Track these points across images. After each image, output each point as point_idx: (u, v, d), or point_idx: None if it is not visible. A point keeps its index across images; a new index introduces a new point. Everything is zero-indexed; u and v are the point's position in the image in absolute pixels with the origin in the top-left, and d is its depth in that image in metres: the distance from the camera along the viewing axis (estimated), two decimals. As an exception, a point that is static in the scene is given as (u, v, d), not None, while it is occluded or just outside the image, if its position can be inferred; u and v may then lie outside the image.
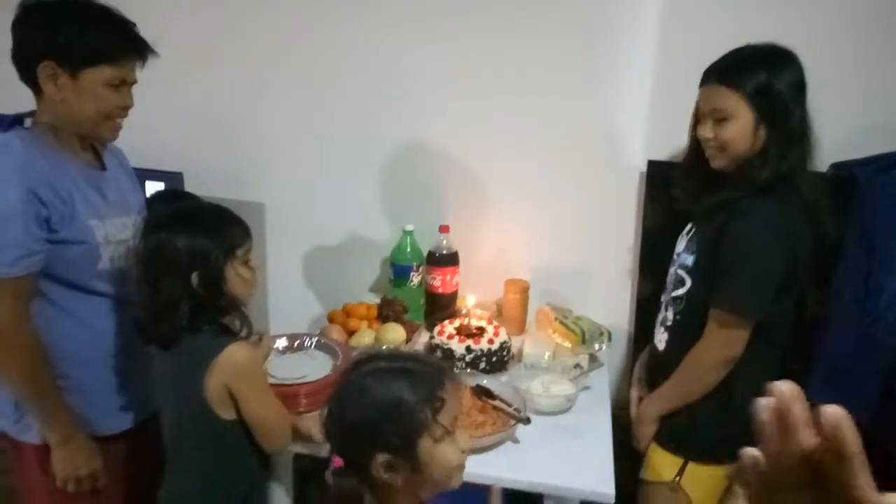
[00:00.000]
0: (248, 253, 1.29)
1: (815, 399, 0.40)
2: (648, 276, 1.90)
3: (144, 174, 1.97)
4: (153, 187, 2.00)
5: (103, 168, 1.40)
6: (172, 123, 2.16)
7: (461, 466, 0.95)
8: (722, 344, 1.32)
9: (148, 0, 2.03)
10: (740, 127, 1.29)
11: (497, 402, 1.46)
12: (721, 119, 1.31)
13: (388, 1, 1.95)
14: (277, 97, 2.12)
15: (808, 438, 0.36)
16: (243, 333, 1.30)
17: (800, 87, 1.29)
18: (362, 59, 2.02)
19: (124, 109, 1.34)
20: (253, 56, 2.11)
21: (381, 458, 0.91)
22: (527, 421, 1.39)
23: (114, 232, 1.36)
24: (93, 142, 1.39)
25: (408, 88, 2.00)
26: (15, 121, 1.29)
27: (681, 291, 1.43)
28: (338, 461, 0.99)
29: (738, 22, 1.71)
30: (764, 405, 0.39)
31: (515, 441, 1.41)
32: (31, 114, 1.31)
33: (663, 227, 1.85)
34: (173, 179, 1.99)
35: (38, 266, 1.25)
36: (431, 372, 0.94)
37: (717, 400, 1.36)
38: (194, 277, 1.21)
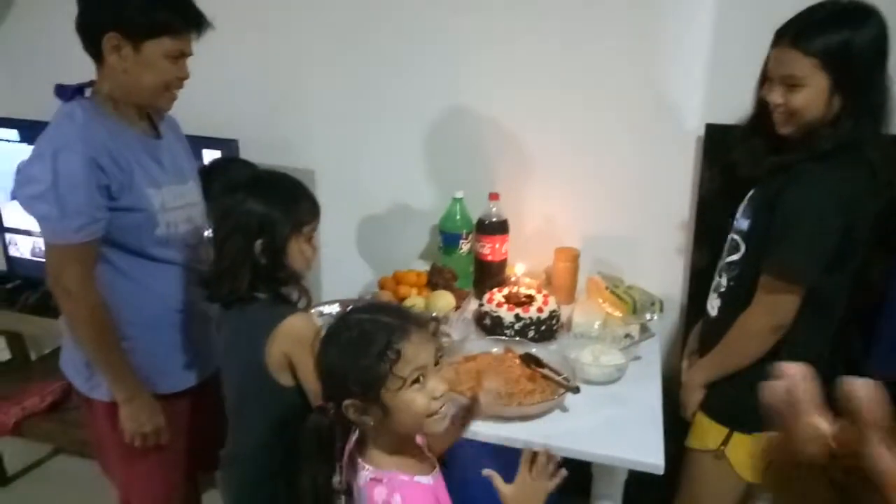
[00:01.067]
0: (314, 231, 1.33)
1: (879, 372, 0.39)
2: (703, 246, 1.85)
3: (201, 142, 2.02)
4: (210, 155, 2.05)
5: (158, 136, 1.43)
6: (226, 93, 2.19)
7: (433, 412, 0.97)
8: (769, 310, 1.29)
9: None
10: (813, 94, 1.21)
11: (546, 371, 1.46)
12: (793, 85, 1.23)
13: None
14: (327, 65, 2.13)
15: (816, 418, 0.36)
16: (301, 304, 1.32)
17: (881, 50, 1.20)
18: (412, 26, 2.00)
19: (181, 80, 1.37)
20: (303, 25, 2.11)
21: (349, 402, 0.97)
22: (576, 390, 1.39)
23: (170, 199, 1.40)
24: (149, 111, 1.43)
25: (457, 55, 1.98)
26: (77, 91, 1.33)
27: (735, 257, 1.38)
28: None
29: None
30: (769, 386, 0.40)
31: (564, 409, 1.41)
32: (90, 84, 1.35)
33: (720, 195, 1.80)
34: (229, 147, 2.03)
35: (101, 233, 1.30)
36: (394, 324, 0.96)
37: (765, 370, 1.32)
38: (258, 245, 1.24)
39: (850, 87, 1.19)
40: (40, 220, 1.27)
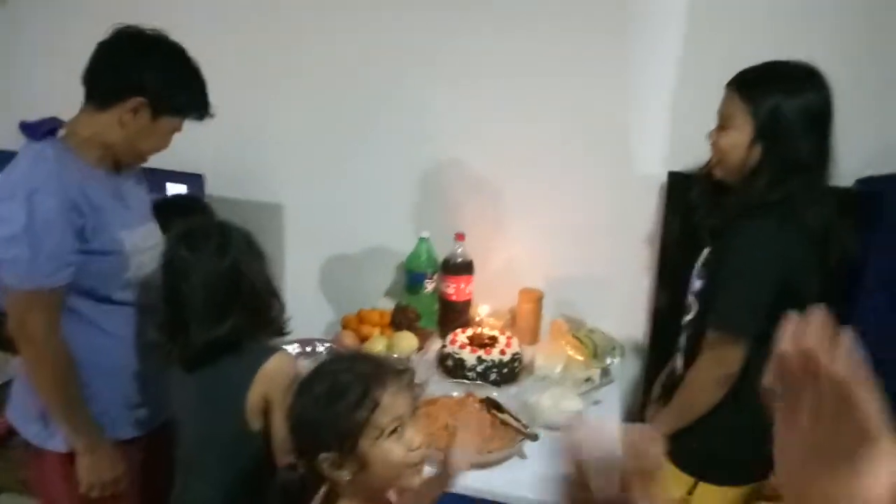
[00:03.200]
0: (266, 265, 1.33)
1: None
2: (666, 290, 1.88)
3: (166, 176, 2.01)
4: (174, 189, 2.03)
5: (118, 176, 1.41)
6: (193, 126, 2.17)
7: (411, 464, 0.97)
8: (713, 363, 1.33)
9: (165, 3, 2.10)
10: (737, 138, 1.28)
11: (506, 416, 1.45)
12: (725, 126, 1.31)
13: (409, 6, 1.95)
14: (296, 101, 2.13)
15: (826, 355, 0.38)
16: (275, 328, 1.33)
17: (816, 116, 1.26)
18: (382, 65, 2.01)
19: (163, 149, 1.40)
20: (273, 59, 2.12)
21: (324, 456, 0.95)
22: (535, 437, 1.38)
23: (141, 240, 1.38)
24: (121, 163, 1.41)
25: (427, 96, 1.99)
26: (48, 132, 1.29)
27: (690, 317, 1.42)
28: None
29: (766, 34, 1.68)
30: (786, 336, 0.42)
31: (523, 456, 1.40)
32: (55, 122, 1.32)
33: (683, 241, 1.82)
34: (195, 181, 2.01)
35: (70, 278, 1.26)
36: (372, 374, 0.96)
37: (727, 420, 1.36)
38: (243, 290, 1.23)
39: (771, 142, 1.25)
40: (9, 263, 1.21)
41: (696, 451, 1.40)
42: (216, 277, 1.23)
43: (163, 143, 1.37)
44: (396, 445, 0.95)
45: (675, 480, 1.43)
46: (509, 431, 1.42)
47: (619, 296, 1.99)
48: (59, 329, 1.28)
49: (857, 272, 1.64)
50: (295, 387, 1.01)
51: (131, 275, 1.36)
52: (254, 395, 1.22)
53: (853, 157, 1.68)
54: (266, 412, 1.24)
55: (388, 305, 2.00)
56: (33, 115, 1.34)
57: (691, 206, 1.51)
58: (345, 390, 0.93)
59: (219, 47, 2.13)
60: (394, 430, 0.95)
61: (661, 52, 1.78)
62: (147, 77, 1.27)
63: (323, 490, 1.01)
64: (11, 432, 2.20)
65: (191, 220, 1.62)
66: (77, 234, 1.24)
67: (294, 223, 2.28)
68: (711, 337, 1.32)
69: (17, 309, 1.25)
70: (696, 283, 1.42)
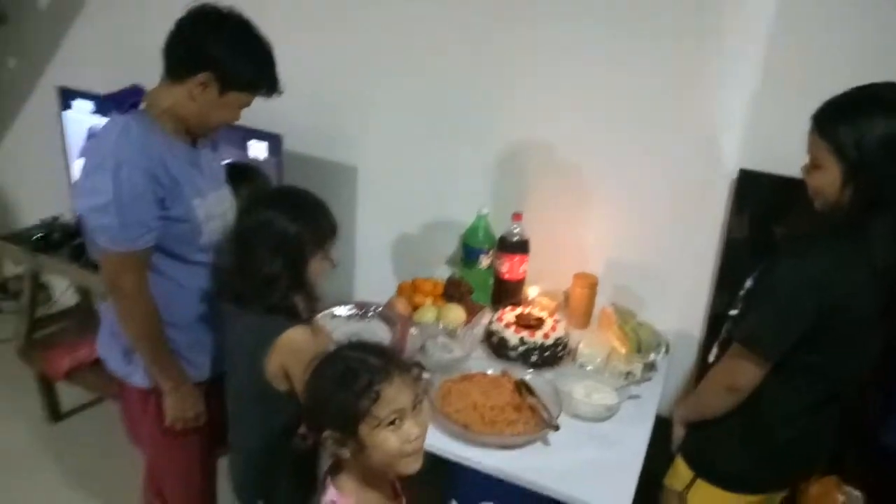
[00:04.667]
0: (332, 249, 1.41)
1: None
2: (725, 290, 1.82)
3: (247, 133, 2.13)
4: (256, 146, 2.16)
5: (195, 145, 1.51)
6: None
7: (406, 453, 1.03)
8: (727, 371, 1.33)
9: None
10: (826, 178, 1.20)
11: (534, 401, 1.49)
12: (813, 164, 1.23)
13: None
14: (378, 67, 2.18)
15: None
16: (305, 315, 1.40)
17: None
18: (462, 47, 2.02)
19: (233, 123, 1.48)
20: (357, 25, 2.17)
21: (328, 433, 1.04)
22: (556, 428, 1.41)
23: (212, 207, 1.49)
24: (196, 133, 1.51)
25: (504, 79, 1.99)
26: (132, 104, 1.41)
27: (733, 312, 1.40)
28: None
29: (854, 36, 1.55)
30: None
31: (546, 443, 1.44)
32: (137, 91, 1.44)
33: (747, 241, 1.76)
34: (273, 140, 2.13)
35: (155, 240, 1.40)
36: (378, 366, 1.03)
37: (739, 429, 1.36)
38: (281, 258, 1.33)
39: (859, 177, 1.16)
40: (101, 229, 1.35)
41: (701, 448, 1.45)
42: (283, 243, 1.32)
43: (231, 117, 1.44)
44: (393, 436, 1.01)
45: (680, 471, 1.47)
46: (535, 417, 1.46)
47: (678, 290, 1.94)
48: (147, 285, 1.42)
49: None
50: (313, 364, 1.10)
51: (204, 239, 1.47)
52: (272, 364, 1.32)
53: None
54: (288, 378, 1.34)
55: (447, 275, 2.06)
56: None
57: (765, 207, 1.46)
58: (351, 378, 1.01)
59: (303, 11, 2.22)
60: (392, 422, 1.01)
61: (743, 48, 1.68)
62: (214, 52, 1.34)
63: (331, 461, 1.11)
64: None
65: (261, 186, 1.74)
66: (158, 203, 1.36)
67: (368, 185, 2.37)
68: (734, 345, 1.31)
69: (110, 268, 1.39)
70: (748, 282, 1.39)
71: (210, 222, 1.47)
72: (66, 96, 2.55)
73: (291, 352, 1.32)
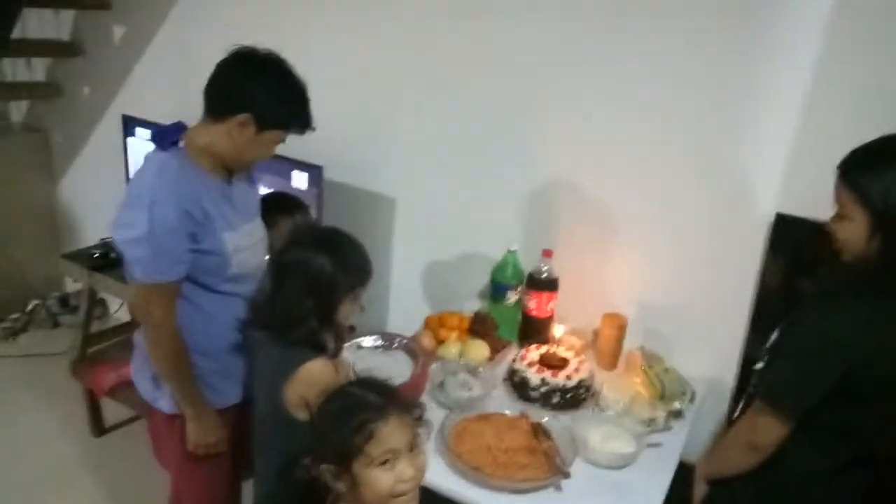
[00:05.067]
0: (363, 293, 1.45)
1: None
2: (759, 335, 1.75)
3: (290, 164, 2.21)
4: (299, 177, 2.23)
5: (230, 182, 1.57)
6: (318, 118, 2.36)
7: (398, 493, 1.04)
8: (749, 427, 1.29)
9: (297, 3, 2.27)
10: (854, 230, 1.16)
11: (548, 446, 1.47)
12: (840, 215, 1.20)
13: (529, 28, 1.95)
14: (417, 100, 2.23)
15: None
16: (329, 352, 1.42)
17: None
18: (502, 86, 2.04)
19: (267, 158, 1.55)
20: (396, 59, 2.23)
21: (325, 466, 1.07)
22: (566, 476, 1.39)
23: (242, 240, 1.55)
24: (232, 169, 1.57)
25: (542, 117, 2.01)
26: (173, 143, 1.49)
27: (759, 366, 1.35)
28: None
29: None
30: None
31: (559, 489, 1.41)
32: (179, 128, 1.52)
33: (782, 288, 1.70)
34: (314, 171, 2.20)
35: (185, 272, 1.47)
36: (376, 404, 1.05)
37: (759, 489, 1.31)
38: (313, 297, 1.37)
39: (885, 228, 1.11)
40: (135, 261, 1.43)
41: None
42: (318, 283, 1.36)
43: (266, 154, 1.51)
44: (385, 475, 1.03)
45: None
46: (548, 462, 1.44)
47: (712, 335, 1.88)
48: (174, 314, 1.49)
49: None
50: (323, 396, 1.12)
51: (233, 271, 1.53)
52: (291, 393, 1.34)
53: None
54: (309, 408, 1.36)
55: (476, 309, 2.06)
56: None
57: (801, 253, 1.42)
58: (349, 415, 1.03)
59: (341, 44, 2.30)
60: (385, 461, 1.02)
61: (786, 92, 1.63)
62: (254, 94, 1.41)
63: (333, 493, 1.12)
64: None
65: (287, 223, 1.79)
66: (190, 237, 1.43)
67: (405, 216, 2.41)
68: (756, 401, 1.27)
69: (141, 298, 1.47)
70: (774, 334, 1.34)
71: (239, 254, 1.53)
72: (130, 124, 2.71)
73: (311, 383, 1.34)
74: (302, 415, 1.37)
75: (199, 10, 2.70)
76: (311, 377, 1.34)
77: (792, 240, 1.66)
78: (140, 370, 1.65)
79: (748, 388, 1.42)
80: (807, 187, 1.64)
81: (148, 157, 1.48)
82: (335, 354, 1.43)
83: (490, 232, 2.18)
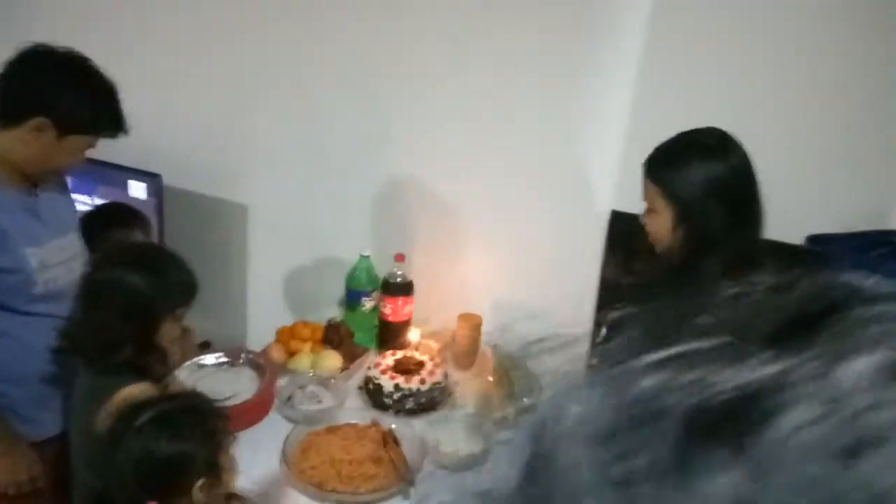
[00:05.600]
0: (185, 313, 1.34)
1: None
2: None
3: (124, 173, 2.06)
4: (136, 187, 2.08)
5: (35, 192, 1.43)
6: (157, 121, 2.20)
7: None
8: None
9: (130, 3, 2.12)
10: (660, 222, 1.23)
11: (394, 454, 1.44)
12: (649, 209, 1.26)
13: (376, 21, 1.92)
14: (264, 103, 2.14)
15: None
16: (151, 377, 1.31)
17: (723, 187, 1.18)
18: (349, 79, 2.00)
19: (77, 166, 1.42)
20: (244, 63, 2.13)
21: (200, 481, 1.03)
22: (410, 483, 1.37)
23: (50, 256, 1.41)
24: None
25: (388, 115, 1.98)
26: None
27: (593, 362, 1.39)
28: None
29: (723, 78, 1.60)
30: None
31: (407, 496, 1.39)
32: None
33: (619, 282, 1.77)
34: (153, 181, 2.05)
35: None
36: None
37: None
38: (129, 320, 1.25)
39: (686, 219, 1.17)
40: None
41: None
42: (132, 304, 1.24)
43: (73, 161, 1.38)
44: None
45: None
46: (395, 471, 1.41)
47: (563, 329, 1.94)
48: None
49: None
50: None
51: (39, 290, 1.39)
52: (104, 419, 1.24)
53: (810, 209, 1.61)
54: None
55: (338, 314, 2.01)
56: None
57: (632, 249, 1.47)
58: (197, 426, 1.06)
59: (185, 44, 2.17)
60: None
61: (616, 90, 1.71)
62: (49, 96, 1.29)
63: None
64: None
65: (125, 236, 1.66)
66: None
67: (260, 224, 2.31)
68: None
69: None
70: (602, 332, 1.38)
71: (46, 272, 1.39)
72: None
73: None
74: None
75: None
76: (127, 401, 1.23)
77: (626, 235, 1.73)
78: None
79: None
80: (638, 184, 1.72)
81: None
82: (161, 378, 1.33)
83: (345, 237, 2.13)
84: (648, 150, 1.64)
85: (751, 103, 1.59)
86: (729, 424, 0.23)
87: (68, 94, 1.30)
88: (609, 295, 1.79)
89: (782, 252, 1.55)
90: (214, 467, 1.06)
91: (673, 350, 0.27)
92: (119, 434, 1.03)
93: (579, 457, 0.25)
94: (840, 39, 1.52)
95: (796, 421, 0.22)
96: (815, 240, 1.59)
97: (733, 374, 0.24)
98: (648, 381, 0.26)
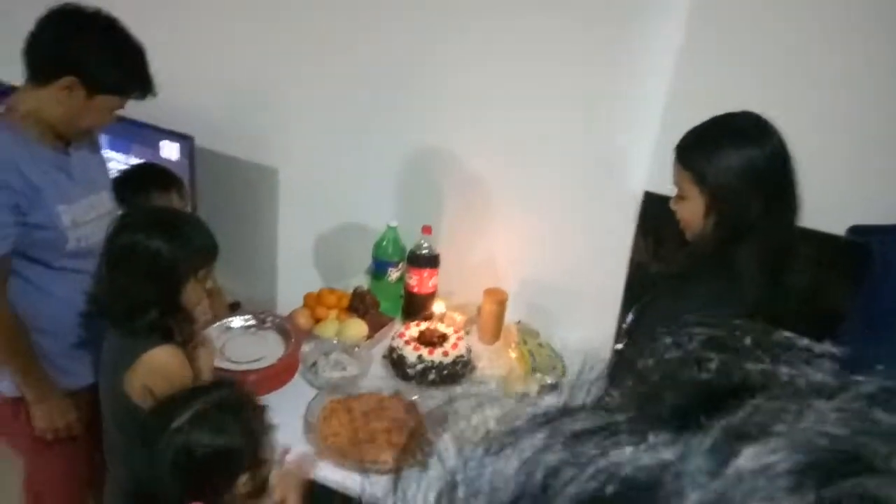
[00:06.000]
0: (209, 274, 1.36)
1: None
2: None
3: (157, 134, 2.07)
4: (168, 147, 2.09)
5: (67, 152, 1.45)
6: (191, 84, 2.20)
7: None
8: None
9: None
10: (692, 208, 1.19)
11: (415, 425, 1.46)
12: (680, 195, 1.22)
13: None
14: (293, 66, 2.11)
15: None
16: (178, 339, 1.33)
17: (759, 173, 1.13)
18: (386, 52, 1.96)
19: (106, 126, 1.43)
20: (282, 30, 2.10)
21: (244, 476, 1.03)
22: (428, 456, 1.38)
23: (81, 214, 1.43)
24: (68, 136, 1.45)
25: (423, 87, 1.94)
26: None
27: (618, 346, 1.38)
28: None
29: (765, 60, 1.53)
30: None
31: (424, 468, 1.40)
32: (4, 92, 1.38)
33: (650, 264, 1.74)
34: (185, 142, 2.06)
35: (10, 248, 1.34)
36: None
37: None
38: (153, 283, 1.27)
39: (718, 206, 1.14)
40: None
41: None
42: (154, 268, 1.25)
43: (103, 121, 1.39)
44: None
45: None
46: (412, 442, 1.43)
47: (590, 308, 1.92)
48: (3, 294, 1.36)
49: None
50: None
51: (72, 246, 1.42)
52: (133, 384, 1.27)
53: (855, 199, 1.55)
54: (154, 397, 1.29)
55: (365, 283, 2.02)
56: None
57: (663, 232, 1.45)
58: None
59: (224, 10, 2.15)
60: None
61: (654, 67, 1.65)
62: (78, 55, 1.29)
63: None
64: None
65: (161, 199, 1.67)
66: (12, 209, 1.31)
67: (290, 188, 2.31)
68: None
69: None
70: (630, 316, 1.37)
71: (78, 229, 1.42)
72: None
73: (154, 372, 1.27)
74: (145, 404, 1.30)
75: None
76: (154, 366, 1.26)
77: (658, 218, 1.70)
78: None
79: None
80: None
81: None
82: (189, 339, 1.35)
83: (374, 207, 2.12)
84: (686, 128, 1.60)
85: (794, 86, 1.52)
86: None
87: (96, 54, 1.30)
88: (638, 278, 1.77)
89: (822, 243, 1.51)
90: (257, 460, 1.08)
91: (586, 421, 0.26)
92: (156, 434, 1.02)
93: None
94: (886, 27, 1.44)
95: None
96: (857, 230, 1.54)
97: (631, 456, 0.23)
98: (553, 457, 0.25)
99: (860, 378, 0.25)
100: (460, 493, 0.25)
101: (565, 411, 0.28)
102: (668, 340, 0.30)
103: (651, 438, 0.24)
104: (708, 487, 0.21)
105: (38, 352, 1.45)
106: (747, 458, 0.22)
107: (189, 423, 1.02)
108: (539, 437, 0.26)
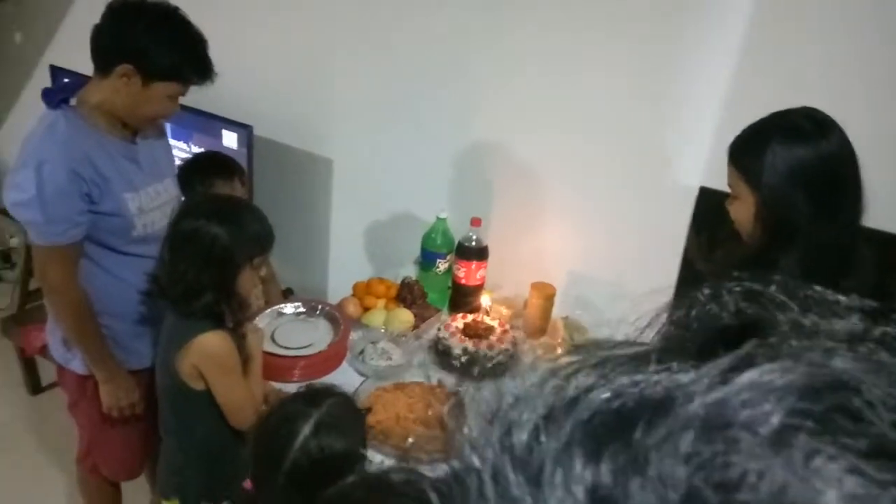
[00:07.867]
0: (264, 262, 1.41)
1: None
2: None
3: (218, 123, 2.13)
4: (228, 136, 2.16)
5: (134, 141, 1.51)
6: (251, 74, 2.26)
7: None
8: None
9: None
10: (744, 209, 1.15)
11: (458, 417, 1.47)
12: (733, 195, 1.18)
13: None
14: (349, 59, 2.15)
15: None
16: (228, 324, 1.38)
17: (805, 170, 1.08)
18: (441, 45, 1.97)
19: (171, 115, 1.47)
20: (336, 16, 2.14)
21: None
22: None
23: (147, 201, 1.50)
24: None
25: (477, 81, 1.94)
26: (63, 100, 1.41)
27: None
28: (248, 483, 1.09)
29: (832, 52, 1.46)
30: None
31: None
32: (68, 85, 1.45)
33: (703, 260, 1.69)
34: (244, 132, 2.12)
35: (82, 235, 1.42)
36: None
37: None
38: (209, 269, 1.31)
39: (767, 206, 1.10)
40: (26, 224, 1.39)
41: None
42: (212, 254, 1.30)
43: (163, 109, 1.42)
44: None
45: None
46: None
47: (639, 304, 1.88)
48: (75, 278, 1.44)
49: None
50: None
51: (138, 232, 1.49)
52: (184, 364, 1.32)
53: None
54: (204, 378, 1.34)
55: (413, 273, 2.04)
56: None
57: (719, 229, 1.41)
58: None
59: (288, 6, 2.20)
60: None
61: (715, 58, 1.60)
62: (132, 42, 1.32)
63: None
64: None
65: (225, 186, 1.73)
66: (84, 198, 1.38)
67: (344, 178, 2.35)
68: None
69: (39, 261, 1.43)
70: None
71: (144, 216, 1.48)
72: (59, 75, 2.58)
73: (204, 355, 1.32)
74: (198, 386, 1.35)
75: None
76: (204, 349, 1.31)
77: (713, 215, 1.65)
78: (52, 332, 1.62)
79: None
80: (731, 161, 1.63)
81: (40, 116, 1.41)
82: (240, 326, 1.40)
83: (424, 198, 2.14)
84: (746, 122, 1.55)
85: (856, 84, 1.45)
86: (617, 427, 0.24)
87: (150, 41, 1.33)
88: (690, 278, 1.72)
89: (887, 243, 1.43)
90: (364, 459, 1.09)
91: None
92: (279, 454, 1.00)
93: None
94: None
95: (671, 427, 0.23)
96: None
97: (651, 378, 0.25)
98: (582, 378, 0.26)
99: (886, 328, 0.27)
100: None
101: (599, 344, 0.30)
102: (707, 292, 0.32)
103: (674, 367, 0.25)
104: (708, 396, 0.23)
105: (106, 332, 1.53)
106: (749, 375, 0.24)
107: (312, 437, 1.01)
108: (573, 361, 0.28)
